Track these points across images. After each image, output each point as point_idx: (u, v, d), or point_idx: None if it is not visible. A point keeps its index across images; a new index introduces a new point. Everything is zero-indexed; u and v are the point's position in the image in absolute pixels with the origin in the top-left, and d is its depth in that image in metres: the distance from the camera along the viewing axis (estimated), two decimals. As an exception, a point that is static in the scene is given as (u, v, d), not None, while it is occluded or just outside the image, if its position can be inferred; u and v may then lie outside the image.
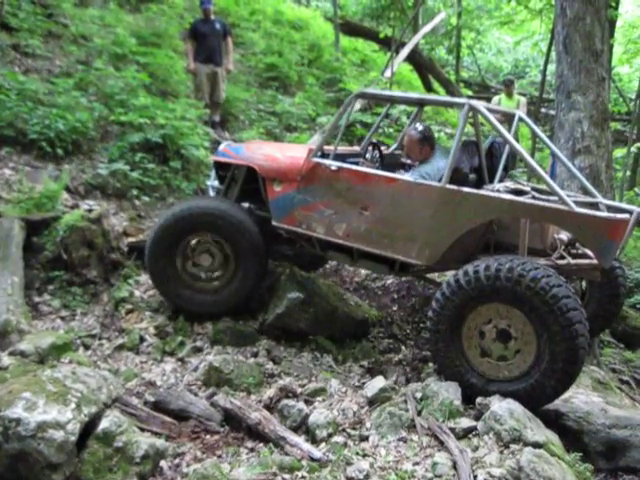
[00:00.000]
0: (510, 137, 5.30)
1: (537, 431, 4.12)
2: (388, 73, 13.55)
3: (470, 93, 18.85)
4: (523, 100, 11.33)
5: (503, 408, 4.22)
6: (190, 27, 10.13)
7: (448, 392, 4.59)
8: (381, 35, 16.70)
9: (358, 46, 17.90)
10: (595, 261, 5.23)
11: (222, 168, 6.63)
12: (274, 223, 6.02)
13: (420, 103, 6.55)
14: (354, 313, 6.36)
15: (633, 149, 12.51)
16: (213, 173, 6.88)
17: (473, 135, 5.80)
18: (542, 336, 4.49)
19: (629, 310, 8.01)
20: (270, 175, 6.02)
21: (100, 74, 9.10)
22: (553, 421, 4.66)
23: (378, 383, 4.89)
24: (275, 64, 13.10)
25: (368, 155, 6.21)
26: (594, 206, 5.43)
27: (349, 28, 17.59)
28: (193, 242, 6.12)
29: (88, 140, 8.12)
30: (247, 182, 6.36)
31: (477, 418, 4.38)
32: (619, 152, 13.06)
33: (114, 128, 8.54)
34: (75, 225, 6.44)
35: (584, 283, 6.27)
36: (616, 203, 5.89)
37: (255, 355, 5.74)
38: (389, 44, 15.74)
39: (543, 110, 16.50)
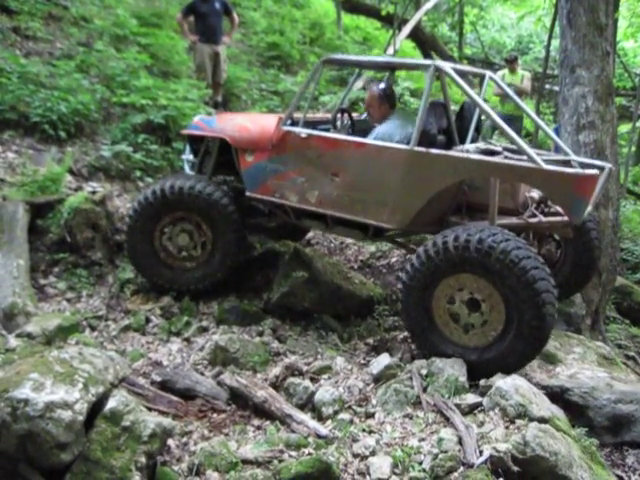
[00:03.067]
0: (478, 98, 5.31)
1: (542, 406, 4.13)
2: (391, 50, 13.48)
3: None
4: (527, 75, 11.24)
5: (508, 384, 4.22)
6: (187, 5, 10.00)
7: (453, 368, 4.61)
8: (383, 12, 16.55)
9: (360, 24, 17.78)
10: (566, 218, 5.23)
11: (196, 141, 6.59)
12: (248, 193, 6.03)
13: (388, 67, 6.53)
14: (359, 291, 6.37)
15: (638, 124, 12.42)
16: (187, 147, 6.84)
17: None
18: (510, 305, 4.59)
19: (634, 286, 8.02)
20: (242, 146, 6.01)
21: (101, 56, 9.07)
22: (558, 396, 4.68)
23: (383, 360, 4.90)
24: (277, 43, 13.00)
25: (338, 122, 6.17)
26: (566, 164, 5.44)
27: (351, 6, 17.44)
28: (170, 221, 6.15)
29: (90, 122, 8.11)
30: (222, 154, 6.32)
31: (482, 394, 4.40)
32: (624, 128, 12.98)
33: (116, 110, 8.52)
34: (79, 207, 6.46)
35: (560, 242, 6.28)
36: (589, 160, 5.87)
37: (261, 334, 5.76)
38: (391, 21, 15.63)
39: (547, 86, 16.38)
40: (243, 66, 11.74)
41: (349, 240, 7.70)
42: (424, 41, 17.03)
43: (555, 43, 12.68)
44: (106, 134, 8.13)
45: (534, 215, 5.51)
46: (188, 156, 6.79)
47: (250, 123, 6.14)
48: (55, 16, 9.91)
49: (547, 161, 5.01)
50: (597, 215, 6.78)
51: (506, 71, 11.23)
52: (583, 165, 5.43)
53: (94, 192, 6.99)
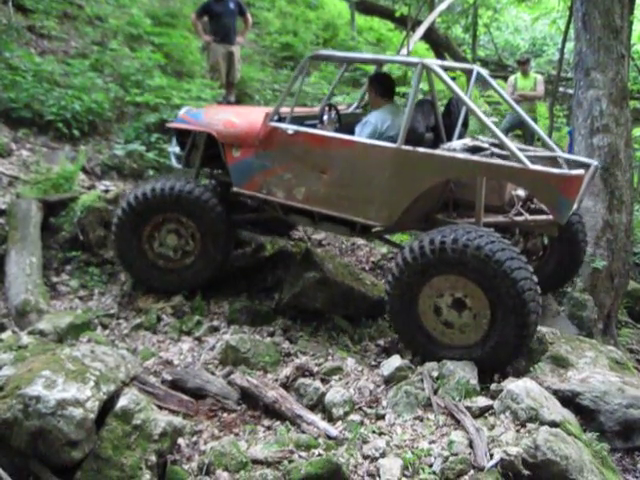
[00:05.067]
0: (464, 96, 5.32)
1: (553, 410, 4.12)
2: (404, 51, 13.44)
3: (487, 72, 18.60)
4: (540, 78, 11.19)
5: (520, 387, 4.21)
6: (201, 5, 10.03)
7: (464, 371, 4.60)
8: (397, 13, 16.50)
9: (374, 25, 17.77)
10: (552, 217, 5.25)
11: (182, 134, 6.51)
12: (235, 189, 6.02)
13: (376, 63, 6.57)
14: (370, 292, 6.34)
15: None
16: (174, 139, 6.78)
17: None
18: (494, 301, 4.66)
19: (646, 290, 7.97)
20: (229, 141, 5.98)
21: (115, 55, 9.13)
22: (569, 400, 4.65)
23: (394, 362, 4.89)
24: (290, 43, 13.03)
25: (325, 117, 6.19)
26: (552, 160, 5.47)
27: (364, 7, 17.41)
28: (152, 229, 6.13)
29: (104, 121, 8.15)
30: (209, 147, 6.27)
31: (493, 397, 4.38)
32: (638, 131, 12.88)
33: (130, 109, 8.56)
34: (92, 206, 6.49)
35: (545, 239, 6.33)
36: (575, 157, 5.90)
37: (271, 334, 5.76)
38: (405, 23, 15.58)
39: (561, 89, 16.30)
40: (256, 66, 11.76)
41: (361, 241, 7.69)
42: (438, 43, 16.96)
43: (569, 46, 12.59)
44: (119, 133, 8.17)
45: (520, 213, 5.55)
46: (174, 149, 6.75)
47: (237, 118, 6.10)
48: (70, 15, 9.98)
49: (533, 158, 5.06)
50: (611, 219, 6.78)
51: (519, 75, 11.18)
52: (569, 162, 5.47)
53: (107, 191, 7.03)
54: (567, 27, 11.16)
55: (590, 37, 7.09)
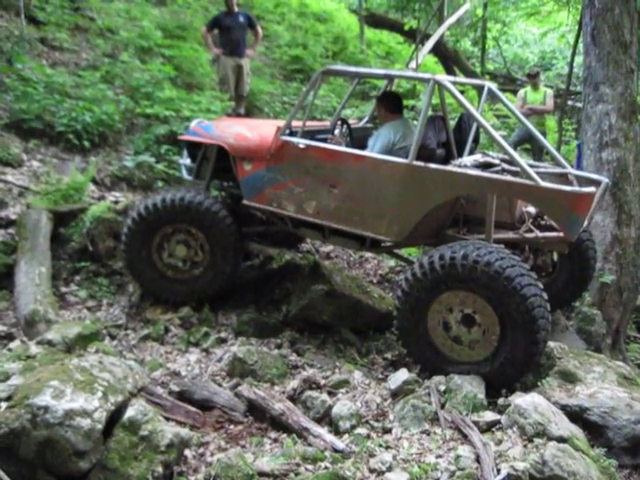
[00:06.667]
0: (476, 112, 5.34)
1: (561, 425, 4.10)
2: (413, 65, 13.47)
3: (496, 85, 18.60)
4: (550, 92, 11.18)
5: (527, 402, 4.20)
6: (211, 19, 10.09)
7: (472, 385, 4.59)
8: (406, 27, 16.58)
9: (383, 38, 17.82)
10: (562, 234, 5.25)
11: (193, 146, 6.53)
12: (245, 202, 6.03)
13: (387, 78, 6.57)
14: (378, 306, 6.34)
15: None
16: (185, 151, 6.80)
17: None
18: (503, 318, 4.67)
19: (655, 305, 7.92)
20: (240, 154, 6.00)
21: (126, 67, 9.19)
22: (577, 416, 4.62)
23: (402, 375, 4.88)
24: (300, 56, 13.09)
25: (337, 131, 6.20)
26: (563, 177, 5.50)
27: (374, 20, 17.50)
28: (161, 239, 6.14)
29: (114, 132, 8.20)
30: (220, 159, 6.28)
31: (501, 412, 4.37)
32: (647, 145, 12.86)
33: (140, 120, 8.60)
34: (101, 216, 6.53)
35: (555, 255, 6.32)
36: (585, 174, 5.91)
37: (279, 346, 5.76)
38: (414, 36, 15.64)
39: (570, 102, 16.29)
40: (266, 79, 11.81)
41: (368, 254, 7.70)
42: (446, 56, 17.00)
43: (578, 60, 12.62)
44: (129, 144, 8.21)
45: (530, 230, 5.55)
46: (185, 161, 6.78)
47: (248, 131, 6.13)
48: (81, 27, 10.06)
49: (543, 174, 5.08)
50: (619, 233, 6.77)
51: (529, 88, 11.17)
52: (580, 179, 5.48)
53: (116, 202, 7.06)
54: (576, 41, 11.18)
55: (599, 51, 7.10)
